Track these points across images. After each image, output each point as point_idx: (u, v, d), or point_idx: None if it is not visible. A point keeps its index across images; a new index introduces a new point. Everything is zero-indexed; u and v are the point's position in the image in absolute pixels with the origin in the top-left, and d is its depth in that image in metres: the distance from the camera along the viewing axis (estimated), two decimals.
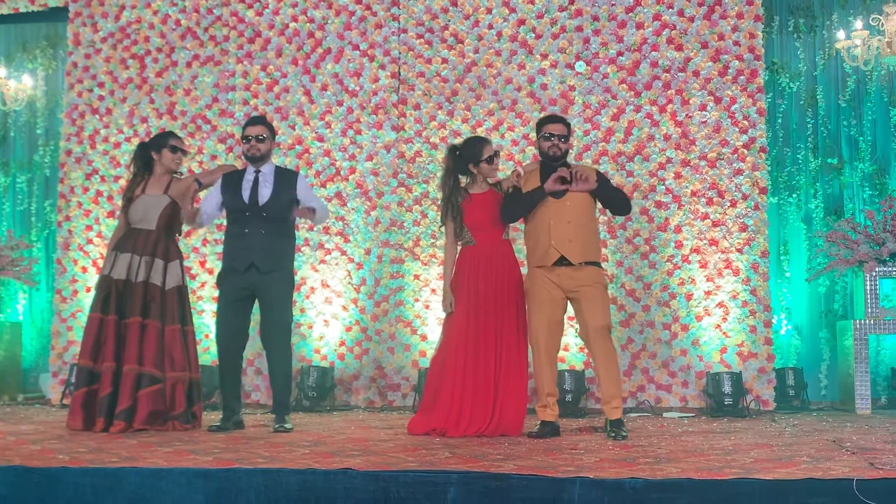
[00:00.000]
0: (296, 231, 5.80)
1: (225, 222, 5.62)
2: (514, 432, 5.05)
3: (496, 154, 5.35)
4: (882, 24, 6.75)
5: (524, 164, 6.18)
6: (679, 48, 6.98)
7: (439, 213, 5.56)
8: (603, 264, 6.61)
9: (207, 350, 7.04)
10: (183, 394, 5.36)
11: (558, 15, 7.14)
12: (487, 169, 5.33)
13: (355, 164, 7.25)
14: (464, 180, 5.40)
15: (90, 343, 5.35)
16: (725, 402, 6.37)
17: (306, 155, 7.30)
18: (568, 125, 5.30)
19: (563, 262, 5.08)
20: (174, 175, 5.65)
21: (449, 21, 7.27)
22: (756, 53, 6.91)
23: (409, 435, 5.05)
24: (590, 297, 5.08)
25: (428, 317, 6.99)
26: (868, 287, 6.73)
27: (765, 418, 6.18)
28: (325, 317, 7.15)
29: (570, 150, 5.44)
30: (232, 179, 5.49)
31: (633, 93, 7.00)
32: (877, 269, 6.72)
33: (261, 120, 5.59)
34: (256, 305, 5.50)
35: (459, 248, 5.37)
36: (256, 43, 7.47)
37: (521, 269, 5.37)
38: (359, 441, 4.73)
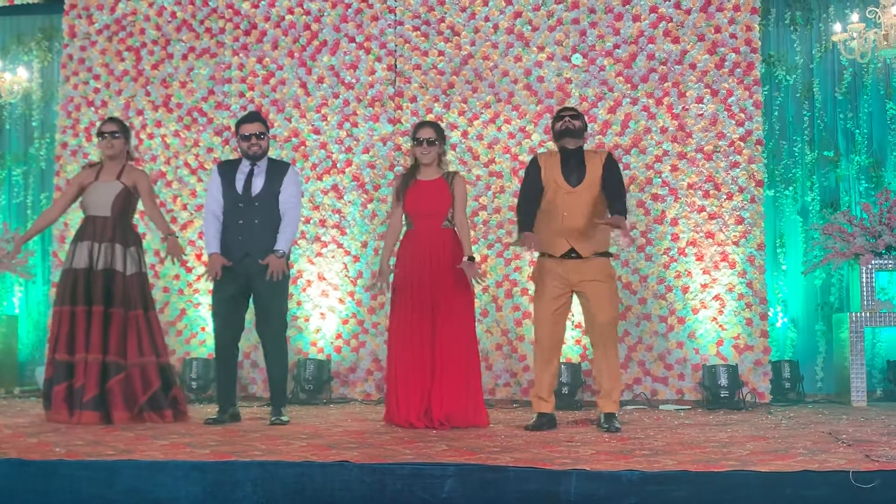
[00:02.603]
0: None
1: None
2: (460, 422, 5.04)
3: (426, 140, 5.26)
4: (878, 16, 6.73)
5: (541, 151, 6.06)
6: (676, 41, 6.97)
7: None
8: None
9: (203, 343, 7.04)
10: (155, 376, 5.35)
11: (555, 7, 7.12)
12: (416, 151, 5.31)
13: (352, 157, 7.24)
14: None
15: (64, 336, 5.34)
16: (722, 395, 6.38)
17: (302, 147, 7.29)
18: (580, 113, 5.25)
19: (572, 254, 5.06)
20: (128, 162, 5.67)
21: (445, 13, 7.25)
22: (753, 46, 6.90)
23: (405, 427, 5.04)
24: (597, 292, 5.04)
25: None
26: (864, 280, 6.74)
27: (761, 411, 6.19)
28: (322, 309, 7.14)
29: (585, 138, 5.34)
30: (228, 172, 5.49)
31: (629, 85, 6.99)
32: (873, 262, 6.72)
33: (257, 116, 5.57)
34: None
35: (404, 230, 5.37)
36: (252, 35, 7.45)
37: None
38: (355, 434, 4.73)
